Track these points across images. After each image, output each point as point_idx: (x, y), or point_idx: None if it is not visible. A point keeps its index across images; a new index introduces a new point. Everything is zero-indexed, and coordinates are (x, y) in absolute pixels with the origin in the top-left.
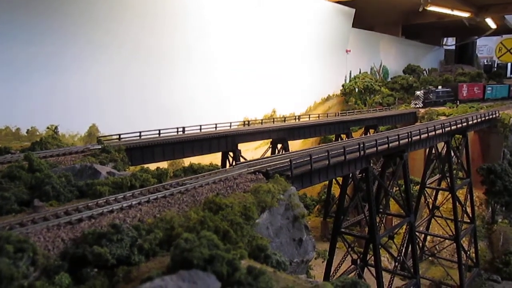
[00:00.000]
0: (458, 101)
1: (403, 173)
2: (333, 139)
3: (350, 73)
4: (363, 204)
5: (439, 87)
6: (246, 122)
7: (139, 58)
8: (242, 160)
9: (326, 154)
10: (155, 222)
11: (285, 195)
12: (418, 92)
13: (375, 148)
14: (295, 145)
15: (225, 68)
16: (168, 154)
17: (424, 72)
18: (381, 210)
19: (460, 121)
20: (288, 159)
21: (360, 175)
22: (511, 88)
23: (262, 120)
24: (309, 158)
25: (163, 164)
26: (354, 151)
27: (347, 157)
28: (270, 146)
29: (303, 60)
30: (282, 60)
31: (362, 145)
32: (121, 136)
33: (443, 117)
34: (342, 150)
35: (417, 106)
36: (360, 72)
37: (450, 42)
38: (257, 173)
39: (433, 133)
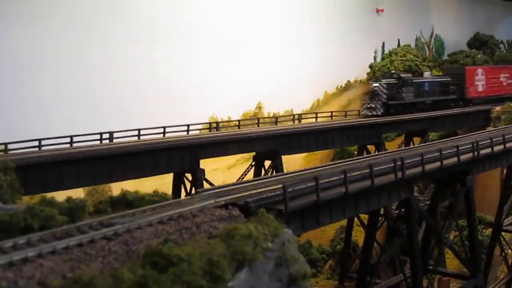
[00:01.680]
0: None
1: (467, 209)
2: (355, 153)
3: (383, 47)
4: (403, 258)
5: (426, 73)
6: (214, 125)
7: (40, 25)
8: (206, 186)
9: (342, 176)
10: (65, 285)
11: (275, 242)
12: (375, 85)
13: (420, 168)
14: (293, 162)
15: (181, 40)
16: (86, 176)
17: (502, 46)
18: (431, 268)
19: None
20: (281, 185)
21: (397, 211)
22: None
23: (239, 121)
24: (314, 183)
25: (79, 193)
26: (387, 172)
27: (376, 181)
28: (253, 164)
29: (307, 27)
30: (273, 28)
31: (400, 163)
32: (9, 146)
33: None
34: (368, 170)
35: (372, 113)
36: (398, 45)
37: None
38: (230, 207)
39: None
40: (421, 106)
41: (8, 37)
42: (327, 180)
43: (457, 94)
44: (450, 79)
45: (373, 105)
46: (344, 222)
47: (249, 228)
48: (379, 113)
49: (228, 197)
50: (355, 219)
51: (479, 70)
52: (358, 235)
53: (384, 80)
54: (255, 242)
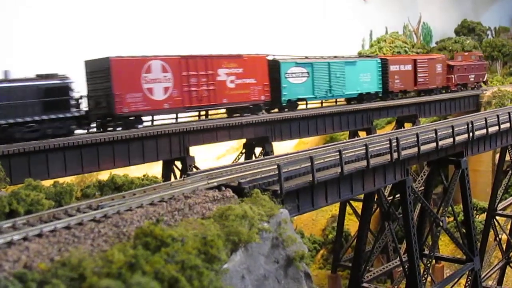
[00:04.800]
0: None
1: (462, 191)
2: (346, 139)
3: (371, 35)
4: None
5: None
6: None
7: None
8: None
9: (338, 156)
10: (52, 268)
11: (271, 223)
12: None
13: (416, 148)
14: (283, 150)
15: None
16: (73, 164)
17: (489, 32)
18: (426, 253)
19: None
20: (275, 165)
21: (391, 197)
22: (385, 68)
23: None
24: (309, 164)
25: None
26: (383, 153)
27: (372, 162)
28: (243, 152)
29: (294, 14)
30: (265, 11)
31: (395, 143)
32: None
33: None
34: (364, 149)
35: None
36: (386, 33)
37: None
38: (223, 188)
39: (508, 124)
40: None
41: None
42: (322, 160)
43: (91, 109)
44: (67, 82)
45: None
46: (336, 211)
47: (243, 209)
48: None
49: (221, 179)
50: (347, 207)
51: (154, 63)
52: (350, 224)
53: None
54: (250, 223)
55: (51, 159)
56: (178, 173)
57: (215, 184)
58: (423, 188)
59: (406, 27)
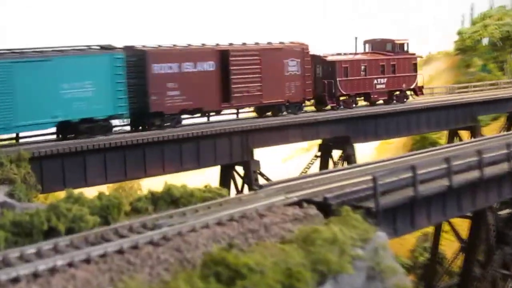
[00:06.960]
0: None
1: None
2: (439, 142)
3: (472, 11)
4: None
5: None
6: None
7: None
8: (262, 181)
9: (446, 166)
10: None
11: (366, 249)
12: None
13: None
14: (361, 155)
15: None
16: (115, 169)
17: None
18: None
19: None
20: (370, 177)
21: (509, 212)
22: (141, 70)
23: None
24: (411, 174)
25: (104, 189)
26: (498, 161)
27: (486, 172)
28: (318, 154)
29: None
30: None
31: None
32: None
33: None
34: (477, 157)
35: None
36: (491, 8)
37: None
38: (305, 204)
39: None
40: None
41: None
42: (425, 170)
43: None
44: None
45: None
46: (428, 228)
47: (332, 231)
48: None
49: (301, 193)
50: (443, 224)
51: None
52: (446, 244)
53: None
54: (341, 249)
55: (89, 162)
56: (239, 181)
57: (295, 199)
58: None
59: None
